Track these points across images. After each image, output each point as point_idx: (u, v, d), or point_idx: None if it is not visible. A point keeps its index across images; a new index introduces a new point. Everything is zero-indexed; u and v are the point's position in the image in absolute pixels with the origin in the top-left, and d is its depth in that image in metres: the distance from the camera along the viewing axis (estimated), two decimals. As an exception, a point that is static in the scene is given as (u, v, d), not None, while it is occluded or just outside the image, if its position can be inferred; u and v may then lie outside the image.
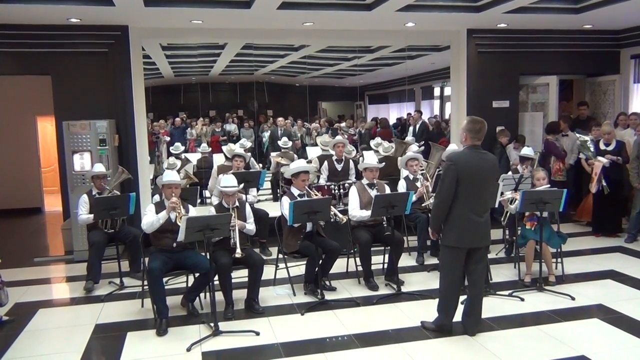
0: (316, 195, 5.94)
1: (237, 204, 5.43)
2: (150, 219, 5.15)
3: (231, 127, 12.50)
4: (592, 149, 7.53)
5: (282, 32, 8.36)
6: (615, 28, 9.22)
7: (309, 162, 8.25)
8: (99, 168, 6.45)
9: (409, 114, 13.35)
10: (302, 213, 5.33)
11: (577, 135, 7.91)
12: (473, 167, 4.40)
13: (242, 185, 5.68)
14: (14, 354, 4.55)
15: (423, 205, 6.61)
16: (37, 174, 10.97)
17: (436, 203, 4.56)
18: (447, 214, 4.46)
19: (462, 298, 4.75)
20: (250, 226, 5.53)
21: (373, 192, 5.98)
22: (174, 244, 5.13)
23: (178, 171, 7.10)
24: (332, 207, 5.71)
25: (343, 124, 13.21)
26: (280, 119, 11.60)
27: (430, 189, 6.60)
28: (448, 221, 4.48)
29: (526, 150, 7.00)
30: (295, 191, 5.90)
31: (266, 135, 11.96)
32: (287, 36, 8.71)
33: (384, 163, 6.74)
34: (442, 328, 4.68)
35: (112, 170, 7.09)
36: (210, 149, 10.47)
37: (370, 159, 6.29)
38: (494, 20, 8.09)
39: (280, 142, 10.21)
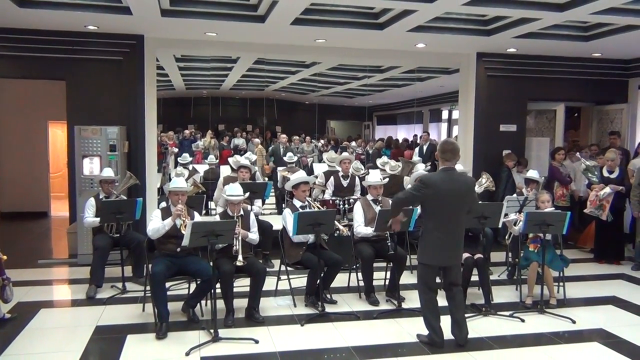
0: (318, 208, 6.00)
1: (241, 212, 5.49)
2: (156, 225, 5.20)
3: (239, 142, 12.61)
4: (597, 174, 7.55)
5: (294, 47, 8.49)
6: (625, 57, 9.30)
7: (315, 177, 8.31)
8: (108, 173, 6.52)
9: (415, 135, 13.44)
10: (307, 225, 5.37)
11: (582, 160, 7.94)
12: (444, 189, 4.57)
13: (247, 194, 5.73)
14: (15, 350, 4.58)
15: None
16: (45, 178, 11.07)
17: (396, 200, 4.90)
18: (421, 232, 4.76)
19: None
20: (254, 235, 5.57)
21: (377, 208, 6.01)
22: (178, 249, 5.17)
23: (186, 180, 7.16)
24: (335, 221, 5.75)
25: (353, 143, 13.30)
26: (283, 135, 11.70)
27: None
28: (422, 239, 4.74)
29: (531, 173, 7.02)
30: (297, 203, 5.95)
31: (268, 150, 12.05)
32: (299, 52, 8.82)
33: (387, 179, 6.78)
34: (432, 342, 4.72)
35: (120, 175, 7.17)
36: (217, 161, 10.55)
37: (373, 176, 6.33)
38: (504, 44, 8.19)
39: (285, 157, 10.31)
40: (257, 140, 12.33)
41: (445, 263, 4.70)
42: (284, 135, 11.96)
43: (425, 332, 4.82)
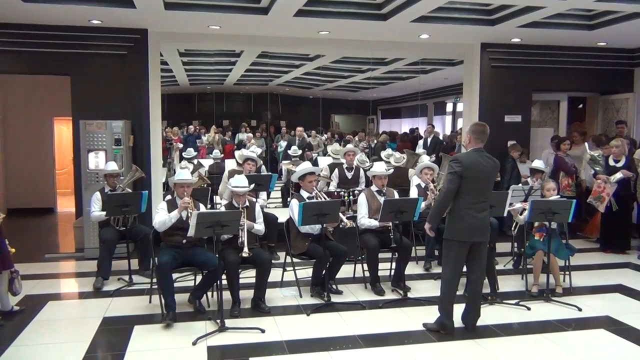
0: (325, 199, 6.00)
1: (247, 203, 5.50)
2: (162, 218, 5.20)
3: (243, 136, 12.64)
4: (602, 162, 7.53)
5: (297, 40, 8.48)
6: (630, 46, 9.25)
7: (320, 170, 8.32)
8: (112, 166, 6.55)
9: (416, 128, 13.45)
10: (312, 215, 5.38)
11: (588, 149, 7.92)
12: (476, 166, 4.62)
13: (252, 186, 5.74)
14: (23, 341, 4.62)
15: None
16: (51, 174, 11.11)
17: (439, 199, 4.82)
18: (451, 209, 4.69)
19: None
20: (259, 226, 5.58)
21: (382, 199, 6.01)
22: (184, 241, 5.19)
23: (191, 174, 7.18)
24: (339, 214, 5.76)
25: (356, 137, 13.31)
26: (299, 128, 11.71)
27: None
28: (452, 217, 4.68)
29: (537, 163, 7.00)
30: (304, 194, 5.96)
31: (283, 144, 12.06)
32: (302, 45, 8.80)
33: (392, 170, 6.79)
34: (443, 328, 4.75)
35: (125, 169, 7.20)
36: (222, 155, 10.59)
37: (379, 167, 6.34)
38: (508, 34, 8.15)
39: (289, 151, 10.35)
40: (250, 134, 12.39)
41: (476, 238, 4.65)
42: (299, 128, 11.95)
43: (431, 320, 4.85)
